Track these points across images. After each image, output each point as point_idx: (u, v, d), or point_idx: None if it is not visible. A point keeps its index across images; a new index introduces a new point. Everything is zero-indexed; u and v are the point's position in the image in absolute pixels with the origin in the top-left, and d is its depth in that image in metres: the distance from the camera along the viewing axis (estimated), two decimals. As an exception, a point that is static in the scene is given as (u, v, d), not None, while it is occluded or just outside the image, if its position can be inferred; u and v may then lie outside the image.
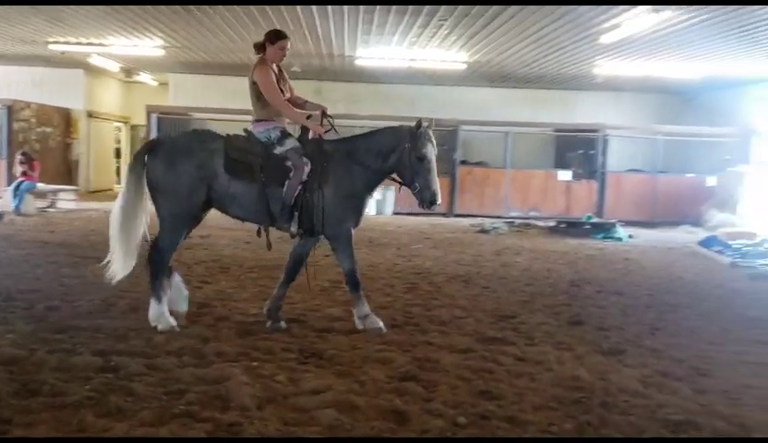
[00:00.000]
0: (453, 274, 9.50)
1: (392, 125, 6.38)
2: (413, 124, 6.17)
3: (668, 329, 6.81)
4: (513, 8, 11.40)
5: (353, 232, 6.21)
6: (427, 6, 11.52)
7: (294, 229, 6.05)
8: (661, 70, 16.43)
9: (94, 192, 22.48)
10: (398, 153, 6.09)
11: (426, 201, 6.04)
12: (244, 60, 17.90)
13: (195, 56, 17.73)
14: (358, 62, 16.99)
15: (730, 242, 13.45)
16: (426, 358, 5.32)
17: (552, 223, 16.73)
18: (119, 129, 26.19)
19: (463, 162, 20.03)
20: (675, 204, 18.79)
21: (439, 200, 6.11)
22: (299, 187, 5.95)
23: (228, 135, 6.20)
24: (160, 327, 5.80)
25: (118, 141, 26.16)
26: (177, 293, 6.14)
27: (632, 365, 5.46)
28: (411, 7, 11.67)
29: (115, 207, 5.96)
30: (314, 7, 11.92)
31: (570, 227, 16.02)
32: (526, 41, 14.03)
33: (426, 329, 6.33)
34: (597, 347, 5.97)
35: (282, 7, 11.97)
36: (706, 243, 13.53)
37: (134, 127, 26.10)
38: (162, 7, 12.32)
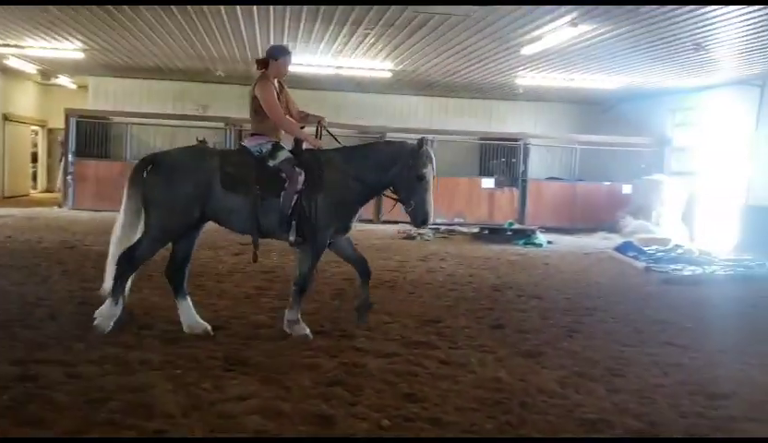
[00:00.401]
0: (380, 280, 9.58)
1: (393, 140, 6.57)
2: (413, 141, 6.34)
3: (585, 331, 7.08)
4: (436, 20, 11.61)
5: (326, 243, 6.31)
6: (353, 16, 11.61)
7: (292, 238, 6.13)
8: (580, 81, 16.98)
9: (9, 198, 21.66)
10: (397, 169, 6.17)
11: (419, 220, 6.20)
12: (167, 63, 17.63)
13: (116, 59, 17.33)
14: (284, 68, 16.94)
15: (644, 247, 14.03)
16: (353, 363, 5.39)
17: (476, 230, 17.07)
18: (36, 133, 25.32)
19: (390, 169, 20.16)
20: (592, 211, 19.43)
21: (431, 221, 6.25)
22: (295, 197, 6.05)
23: (224, 150, 6.41)
24: (97, 322, 5.84)
25: (35, 145, 25.28)
26: (189, 316, 6.18)
27: (550, 367, 5.67)
28: (336, 16, 11.74)
29: (116, 224, 6.04)
30: (239, 12, 11.85)
31: (493, 233, 16.39)
32: (449, 52, 14.30)
33: (352, 334, 6.39)
34: (517, 350, 6.16)
35: (207, 11, 11.85)
36: (622, 248, 14.07)
37: (51, 131, 25.29)
38: (83, 9, 12.02)
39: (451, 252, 13.33)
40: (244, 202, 6.03)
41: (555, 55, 13.91)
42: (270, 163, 6.18)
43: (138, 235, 5.97)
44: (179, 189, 5.93)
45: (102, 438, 3.72)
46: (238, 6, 11.50)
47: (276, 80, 6.44)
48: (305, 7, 11.35)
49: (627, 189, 19.45)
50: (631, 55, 13.41)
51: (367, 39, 13.29)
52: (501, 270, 11.26)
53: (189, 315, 6.16)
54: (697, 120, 18.32)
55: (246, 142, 6.43)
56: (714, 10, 9.96)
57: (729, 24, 10.70)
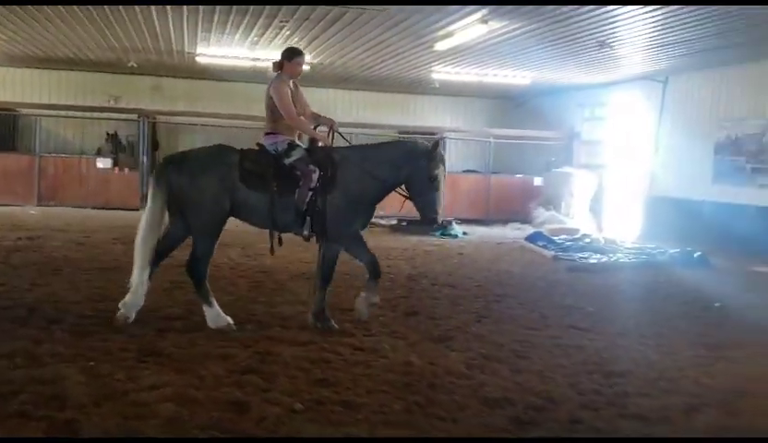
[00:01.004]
0: (297, 272, 9.67)
1: (407, 141, 6.79)
2: (427, 142, 6.59)
3: (493, 316, 7.37)
4: (351, 14, 11.72)
5: (360, 232, 6.62)
6: (268, 8, 11.61)
7: (306, 232, 6.40)
8: (492, 77, 17.42)
9: None
10: (409, 169, 6.35)
11: (428, 218, 6.42)
12: (77, 54, 17.13)
13: (23, 49, 16.74)
14: (199, 59, 16.74)
15: (554, 237, 14.58)
16: (267, 352, 5.48)
17: (393, 222, 17.31)
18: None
19: (308, 163, 20.19)
20: (505, 202, 19.98)
21: (440, 220, 6.50)
22: (309, 193, 6.28)
23: (242, 149, 6.56)
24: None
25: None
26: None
27: (459, 350, 5.90)
28: (251, 8, 11.71)
29: (142, 221, 6.25)
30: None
31: (411, 225, 16.66)
32: (365, 46, 14.44)
33: (268, 324, 6.48)
34: (429, 335, 6.38)
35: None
36: (532, 238, 14.57)
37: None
38: (-14, -3, 11.61)
39: (370, 244, 13.29)
40: (262, 198, 6.29)
41: (467, 51, 14.25)
42: (286, 161, 6.41)
43: (159, 231, 6.27)
44: (206, 187, 6.20)
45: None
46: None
47: (291, 81, 6.71)
48: (218, -1, 11.29)
49: (538, 181, 20.09)
50: (540, 52, 13.86)
51: (283, 31, 13.29)
52: (417, 261, 11.51)
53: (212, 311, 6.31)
54: (604, 114, 19.08)
55: (263, 140, 6.63)
56: (615, 9, 10.43)
57: (631, 23, 11.21)
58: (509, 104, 22.98)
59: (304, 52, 6.89)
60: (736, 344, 6.60)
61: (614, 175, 18.42)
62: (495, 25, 11.60)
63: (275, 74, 6.73)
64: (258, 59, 16.17)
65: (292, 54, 6.73)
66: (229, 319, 6.24)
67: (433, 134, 20.62)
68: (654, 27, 11.41)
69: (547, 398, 4.75)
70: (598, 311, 7.96)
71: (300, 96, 6.80)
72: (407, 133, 21.12)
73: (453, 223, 16.33)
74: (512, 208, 19.68)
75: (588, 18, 10.99)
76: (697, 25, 11.08)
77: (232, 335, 5.99)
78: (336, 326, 6.40)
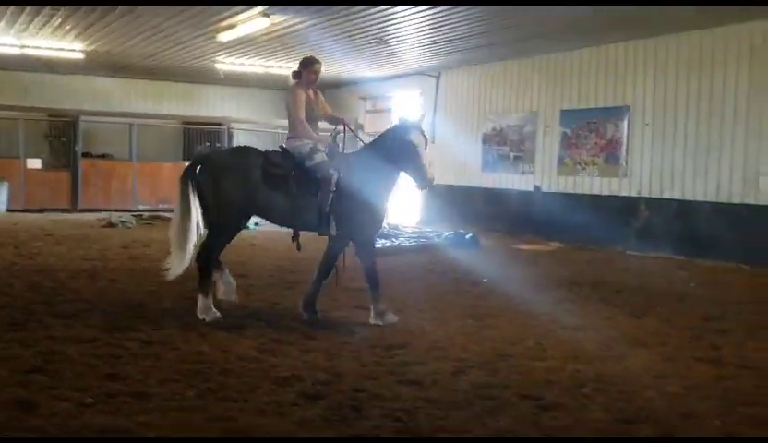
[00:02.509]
0: (78, 270, 9.32)
1: (396, 125, 6.99)
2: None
3: (286, 304, 7.65)
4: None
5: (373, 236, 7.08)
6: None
7: (333, 232, 6.80)
8: (278, 68, 17.63)
9: None
10: (398, 147, 6.73)
11: (420, 184, 6.96)
12: None
13: None
14: (-43, 46, 15.34)
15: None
16: (51, 351, 5.35)
17: (181, 215, 16.99)
18: None
19: (86, 155, 19.25)
20: (295, 192, 20.30)
21: (432, 180, 6.93)
22: (331, 195, 6.63)
23: (266, 150, 7.04)
24: (207, 319, 6.52)
25: None
26: (228, 285, 6.94)
27: (251, 337, 6.10)
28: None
29: (172, 221, 6.87)
30: None
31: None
32: (146, 34, 14.03)
33: (49, 324, 6.26)
34: (221, 325, 6.50)
35: None
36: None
37: None
38: None
39: (156, 238, 13.20)
40: (284, 200, 6.65)
41: (251, 43, 14.36)
42: (308, 164, 6.73)
43: (191, 226, 6.63)
44: (231, 187, 6.58)
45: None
46: None
47: (311, 89, 7.04)
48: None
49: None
50: (322, 46, 14.27)
51: (53, 19, 12.58)
52: (207, 253, 11.47)
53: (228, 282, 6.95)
54: (385, 107, 20.02)
55: (286, 144, 6.96)
56: (389, 8, 11.09)
57: (404, 21, 11.98)
58: (294, 95, 23.25)
59: (320, 60, 7.14)
60: (499, 313, 7.42)
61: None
62: (277, 19, 11.84)
63: (294, 82, 7.09)
64: (27, 46, 15.17)
65: (308, 63, 7.00)
66: (218, 314, 6.61)
67: (218, 124, 20.51)
68: (425, 25, 12.27)
69: (333, 373, 5.10)
70: (382, 291, 8.48)
71: (320, 101, 7.14)
72: (192, 123, 20.80)
73: (243, 214, 16.36)
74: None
75: (364, 16, 11.58)
76: (464, 25, 12.07)
77: (8, 337, 5.73)
78: (319, 319, 6.78)
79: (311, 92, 7.07)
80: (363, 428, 4.05)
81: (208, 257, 6.73)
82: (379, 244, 12.95)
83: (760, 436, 4.17)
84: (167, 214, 17.03)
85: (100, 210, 17.79)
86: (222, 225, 6.76)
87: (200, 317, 6.57)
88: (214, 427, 3.96)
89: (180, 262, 6.71)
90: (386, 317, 6.79)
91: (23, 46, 15.14)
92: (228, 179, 6.63)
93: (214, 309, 6.67)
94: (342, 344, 5.97)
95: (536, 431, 4.12)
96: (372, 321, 6.76)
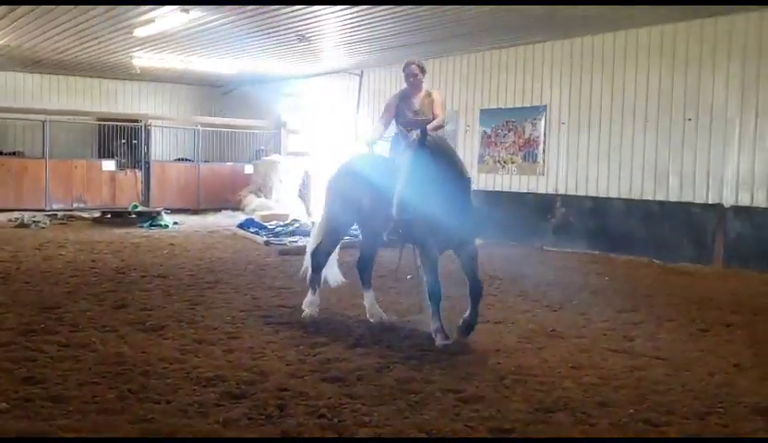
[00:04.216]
0: (-11, 273, 8.98)
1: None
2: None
3: (206, 303, 7.55)
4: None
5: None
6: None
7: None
8: (198, 64, 17.33)
9: None
10: None
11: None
12: None
13: None
14: None
15: (265, 223, 15.05)
16: (-38, 356, 5.14)
17: (97, 214, 16.56)
18: None
19: (-4, 153, 18.50)
20: (216, 191, 20.11)
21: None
22: None
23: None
24: (306, 313, 6.86)
25: None
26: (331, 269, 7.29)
27: (172, 338, 6.02)
28: None
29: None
30: None
31: (116, 217, 16.10)
32: (58, 29, 13.57)
33: (-42, 329, 6.02)
34: (140, 326, 6.40)
35: None
36: (244, 225, 14.92)
37: None
38: None
39: (71, 238, 12.84)
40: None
41: (170, 38, 14.07)
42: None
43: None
44: (341, 196, 6.82)
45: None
46: None
47: (417, 90, 6.82)
48: None
49: (249, 169, 20.48)
50: (243, 42, 14.17)
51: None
52: (125, 253, 11.23)
53: (372, 304, 6.96)
54: (307, 104, 19.95)
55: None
56: (309, 7, 11.07)
57: (326, 19, 11.98)
58: (215, 92, 22.99)
59: (414, 60, 6.85)
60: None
61: (319, 161, 19.38)
62: (196, 14, 11.64)
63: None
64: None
65: (404, 68, 6.86)
66: (315, 313, 6.86)
67: (136, 121, 20.01)
68: (346, 24, 12.30)
69: (258, 372, 5.08)
70: (305, 290, 8.48)
71: (431, 102, 6.80)
72: (107, 120, 20.22)
73: (163, 213, 16.09)
74: (223, 196, 19.88)
75: (286, 13, 11.53)
76: (384, 24, 12.16)
77: None
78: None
79: (417, 95, 6.83)
80: (287, 426, 4.05)
81: (318, 258, 7.07)
82: (304, 242, 12.96)
83: (670, 422, 4.37)
84: (84, 214, 16.60)
85: (11, 210, 17.09)
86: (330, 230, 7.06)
87: (303, 307, 6.96)
88: (136, 429, 3.90)
89: (333, 272, 7.36)
90: (439, 335, 6.04)
91: None
92: (345, 187, 6.82)
93: (316, 308, 6.95)
94: (266, 343, 5.95)
95: (459, 423, 4.21)
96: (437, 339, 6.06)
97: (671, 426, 4.31)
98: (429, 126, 6.40)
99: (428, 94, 6.85)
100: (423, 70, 6.85)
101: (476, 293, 6.16)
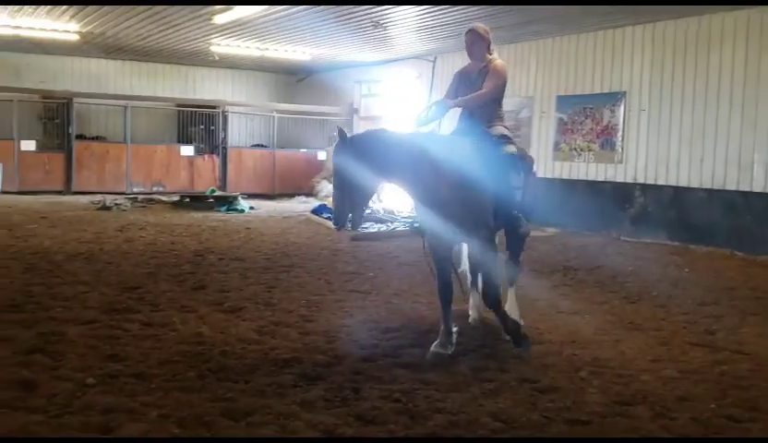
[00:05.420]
0: (74, 252, 9.32)
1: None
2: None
3: (282, 286, 7.66)
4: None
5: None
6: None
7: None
8: (273, 52, 17.57)
9: None
10: None
11: None
12: None
13: None
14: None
15: (337, 209, 15.13)
16: (52, 332, 5.36)
17: (176, 198, 17.00)
18: None
19: (80, 137, 19.18)
20: (291, 177, 20.41)
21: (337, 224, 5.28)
22: None
23: None
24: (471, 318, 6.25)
25: None
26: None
27: (250, 319, 6.14)
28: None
29: None
30: None
31: (195, 201, 16.48)
32: (140, 16, 13.94)
33: (48, 305, 6.28)
34: (219, 307, 6.54)
35: None
36: (317, 210, 15.05)
37: None
38: None
39: (151, 221, 13.22)
40: None
41: (247, 25, 14.29)
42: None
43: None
44: None
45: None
46: None
47: (477, 63, 5.93)
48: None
49: (322, 156, 20.67)
50: (319, 30, 14.26)
51: (49, -1, 12.52)
52: (203, 236, 11.49)
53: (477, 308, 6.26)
54: (381, 91, 19.98)
55: None
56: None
57: (403, 6, 11.93)
58: (290, 79, 23.25)
59: (471, 28, 5.96)
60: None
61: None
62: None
63: None
64: (21, 27, 15.08)
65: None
66: (476, 315, 6.26)
67: (213, 107, 20.44)
68: (422, 10, 12.22)
69: (332, 355, 5.13)
70: (377, 275, 8.53)
71: (487, 73, 5.84)
72: (186, 106, 20.71)
73: (239, 198, 16.40)
74: (297, 182, 20.15)
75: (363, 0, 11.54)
76: (459, 10, 12.03)
77: (8, 318, 5.75)
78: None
79: (477, 66, 5.95)
80: (362, 409, 4.08)
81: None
82: (375, 228, 13.04)
83: (754, 419, 4.21)
84: (163, 198, 17.09)
85: (93, 193, 17.74)
86: None
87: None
88: (216, 408, 3.99)
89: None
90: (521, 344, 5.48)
91: (16, 27, 15.02)
92: None
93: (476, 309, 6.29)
94: (340, 327, 6.00)
95: (535, 413, 4.16)
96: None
97: (755, 423, 4.16)
98: (455, 102, 5.82)
99: (487, 64, 5.90)
100: (481, 37, 5.91)
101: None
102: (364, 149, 5.00)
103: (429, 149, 5.16)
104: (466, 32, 5.98)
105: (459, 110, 6.01)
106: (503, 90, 5.96)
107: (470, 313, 6.35)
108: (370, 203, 6.38)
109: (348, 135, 5.04)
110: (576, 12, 12.16)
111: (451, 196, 5.09)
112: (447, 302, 5.39)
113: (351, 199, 5.01)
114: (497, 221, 5.50)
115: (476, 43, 5.91)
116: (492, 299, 5.35)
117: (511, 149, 5.72)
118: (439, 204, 5.16)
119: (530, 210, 6.02)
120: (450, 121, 6.09)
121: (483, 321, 6.22)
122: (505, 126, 6.00)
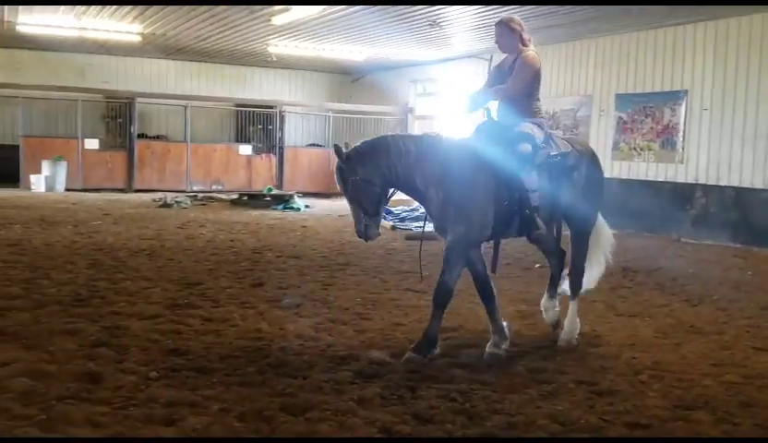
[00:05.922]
0: (137, 248, 9.57)
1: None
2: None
3: (338, 284, 7.74)
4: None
5: None
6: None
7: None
8: (330, 52, 17.72)
9: None
10: None
11: None
12: None
13: None
14: (20, 28, 15.76)
15: (392, 208, 15.19)
16: (116, 326, 5.52)
17: (234, 196, 17.29)
18: None
19: (141, 136, 19.67)
20: (346, 176, 20.49)
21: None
22: None
23: None
24: (545, 315, 6.07)
25: None
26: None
27: (307, 316, 6.21)
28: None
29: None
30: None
31: (252, 199, 16.74)
32: (201, 17, 14.25)
33: (112, 300, 6.46)
34: (277, 304, 6.63)
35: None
36: (371, 209, 15.09)
37: None
38: None
39: (210, 219, 13.48)
40: None
41: (305, 26, 14.45)
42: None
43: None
44: None
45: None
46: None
47: (510, 55, 5.72)
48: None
49: (376, 155, 20.70)
50: (375, 29, 14.33)
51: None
52: (261, 234, 11.67)
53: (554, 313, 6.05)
54: (436, 90, 19.95)
55: None
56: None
57: (459, 5, 11.90)
58: (345, 79, 23.40)
59: (501, 20, 5.73)
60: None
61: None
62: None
63: None
64: (86, 29, 15.52)
65: None
66: (555, 317, 6.02)
67: (271, 107, 20.72)
68: (478, 10, 12.16)
69: (388, 353, 5.15)
70: (432, 275, 8.51)
71: (515, 69, 5.60)
72: (244, 106, 21.05)
73: (295, 197, 16.60)
74: (352, 181, 20.22)
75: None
76: (515, 9, 11.90)
77: (74, 312, 5.94)
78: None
79: (509, 59, 5.75)
80: (419, 408, 4.09)
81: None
82: (430, 228, 13.01)
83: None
84: (222, 196, 17.41)
85: (154, 191, 18.18)
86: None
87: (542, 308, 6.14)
88: (275, 402, 4.06)
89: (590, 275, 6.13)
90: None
91: (82, 28, 15.48)
92: None
93: (554, 311, 6.04)
94: (395, 326, 6.04)
95: (593, 416, 4.11)
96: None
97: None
98: (493, 91, 5.67)
99: (517, 57, 5.61)
100: (510, 30, 5.62)
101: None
102: (362, 160, 5.16)
103: (424, 154, 5.21)
104: (497, 24, 5.78)
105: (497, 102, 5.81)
106: (533, 83, 5.66)
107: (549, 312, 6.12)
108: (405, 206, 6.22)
109: (345, 150, 5.23)
110: (636, 10, 11.94)
111: (434, 193, 5.20)
112: (489, 299, 5.45)
113: (363, 210, 5.16)
114: (499, 223, 5.37)
115: (504, 36, 5.68)
116: (438, 296, 5.31)
117: (527, 147, 5.38)
118: (423, 201, 5.37)
119: (585, 215, 5.92)
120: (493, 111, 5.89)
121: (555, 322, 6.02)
122: (537, 123, 5.62)
